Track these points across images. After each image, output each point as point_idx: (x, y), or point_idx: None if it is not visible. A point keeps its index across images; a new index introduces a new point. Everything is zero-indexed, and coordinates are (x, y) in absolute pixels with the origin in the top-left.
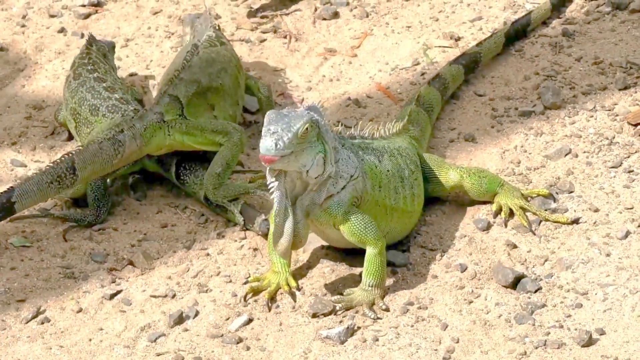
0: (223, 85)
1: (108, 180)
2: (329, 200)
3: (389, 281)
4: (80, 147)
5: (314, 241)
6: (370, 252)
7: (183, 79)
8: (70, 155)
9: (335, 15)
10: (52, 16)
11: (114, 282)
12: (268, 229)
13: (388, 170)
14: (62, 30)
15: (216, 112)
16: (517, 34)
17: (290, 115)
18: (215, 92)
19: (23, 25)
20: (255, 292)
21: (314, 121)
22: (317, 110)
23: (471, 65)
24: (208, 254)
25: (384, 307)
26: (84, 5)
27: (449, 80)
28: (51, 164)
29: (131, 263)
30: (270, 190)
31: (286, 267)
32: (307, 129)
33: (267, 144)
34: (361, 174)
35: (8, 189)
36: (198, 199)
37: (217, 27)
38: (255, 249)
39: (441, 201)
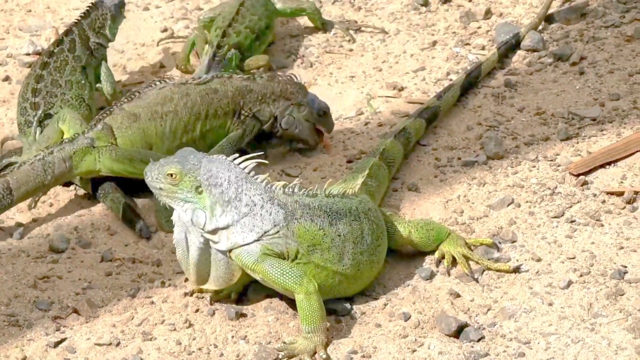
0: (164, 128)
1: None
2: (239, 249)
3: (332, 330)
4: (14, 169)
5: (258, 290)
6: (297, 297)
7: (124, 110)
8: (5, 176)
9: (282, 66)
10: None
11: (58, 330)
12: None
13: (340, 235)
14: (6, 79)
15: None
16: (470, 85)
17: (180, 157)
18: (155, 133)
19: None
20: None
21: (183, 171)
22: (220, 163)
23: (432, 118)
24: (152, 302)
25: (324, 356)
26: (28, 54)
27: (412, 134)
28: None
29: (76, 311)
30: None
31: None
32: (170, 174)
33: (145, 170)
34: (284, 232)
35: None
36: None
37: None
38: (199, 297)
39: None
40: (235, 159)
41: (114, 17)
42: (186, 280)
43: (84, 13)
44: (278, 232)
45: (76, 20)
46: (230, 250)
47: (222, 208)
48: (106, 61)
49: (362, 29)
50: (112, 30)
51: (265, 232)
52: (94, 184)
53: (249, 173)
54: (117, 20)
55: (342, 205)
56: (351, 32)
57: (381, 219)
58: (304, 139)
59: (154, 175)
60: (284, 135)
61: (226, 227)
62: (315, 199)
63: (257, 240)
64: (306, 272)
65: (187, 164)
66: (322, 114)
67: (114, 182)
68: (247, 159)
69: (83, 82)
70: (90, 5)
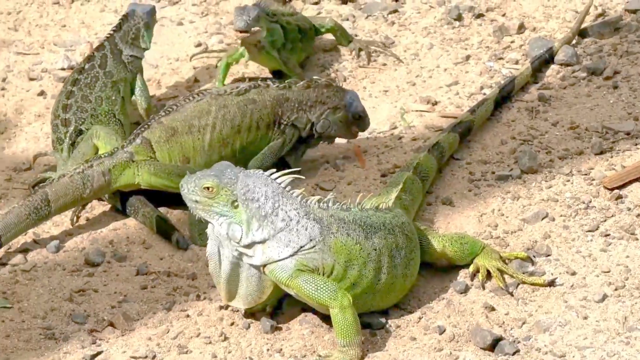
0: (202, 141)
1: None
2: (273, 264)
3: (367, 343)
4: (53, 180)
5: (294, 303)
6: (332, 312)
7: (162, 123)
8: (44, 187)
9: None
10: (32, 79)
11: (94, 343)
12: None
13: (375, 249)
14: (41, 93)
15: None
16: (503, 99)
17: (217, 170)
18: (193, 147)
19: (3, 89)
20: None
21: (220, 185)
22: (257, 177)
23: (466, 132)
24: (188, 315)
25: None
26: (63, 69)
27: (446, 149)
28: (28, 197)
29: (111, 324)
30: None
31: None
32: (207, 187)
33: (181, 182)
34: (320, 247)
35: None
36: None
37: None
38: (235, 310)
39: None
40: (272, 173)
41: (147, 25)
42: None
43: (116, 26)
44: (314, 247)
45: (108, 35)
46: (264, 266)
47: (258, 222)
48: (142, 74)
49: (378, 51)
50: (147, 38)
51: (301, 247)
52: (122, 199)
53: (285, 188)
54: (151, 27)
55: (376, 219)
56: (362, 53)
57: (415, 232)
58: (340, 136)
59: (190, 188)
60: (319, 138)
61: (262, 242)
62: (349, 213)
63: (293, 255)
64: (341, 286)
65: (224, 177)
66: (358, 118)
67: (142, 196)
68: (284, 174)
69: (114, 97)
70: (122, 17)
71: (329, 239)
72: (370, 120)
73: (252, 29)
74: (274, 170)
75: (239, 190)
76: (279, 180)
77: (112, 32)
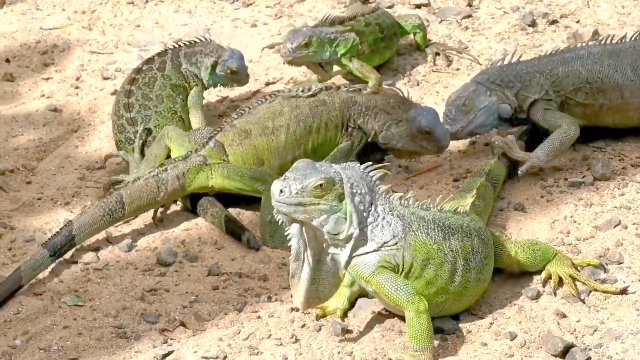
0: (276, 142)
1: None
2: (356, 259)
3: (439, 348)
4: (128, 183)
5: (365, 307)
6: (407, 315)
7: (235, 126)
8: (119, 190)
9: (390, 84)
10: (105, 78)
11: (165, 342)
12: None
13: (452, 250)
14: (115, 92)
15: (265, 168)
16: None
17: (313, 168)
18: (267, 148)
19: (77, 87)
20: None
21: (331, 180)
22: (355, 170)
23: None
24: (259, 317)
25: None
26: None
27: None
28: (102, 199)
29: (183, 324)
30: (287, 235)
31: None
32: (320, 185)
33: (274, 188)
34: (402, 244)
35: (67, 223)
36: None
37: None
38: (306, 313)
39: None
40: (367, 167)
41: (214, 65)
42: (292, 295)
43: (189, 42)
44: (396, 243)
45: (175, 46)
46: (349, 261)
47: (357, 216)
48: (200, 87)
49: (455, 56)
50: (207, 75)
51: (384, 243)
52: (192, 200)
53: (375, 182)
54: (217, 76)
55: (455, 220)
56: (438, 57)
57: (490, 238)
58: (415, 152)
59: (294, 191)
60: (387, 149)
61: (354, 236)
62: (429, 212)
63: (376, 250)
64: (416, 287)
65: (329, 173)
66: (424, 133)
67: (211, 197)
68: (375, 169)
69: (174, 96)
70: (201, 38)
71: (410, 236)
72: (446, 142)
73: (295, 55)
74: (370, 163)
75: (345, 183)
76: (371, 174)
77: (181, 44)
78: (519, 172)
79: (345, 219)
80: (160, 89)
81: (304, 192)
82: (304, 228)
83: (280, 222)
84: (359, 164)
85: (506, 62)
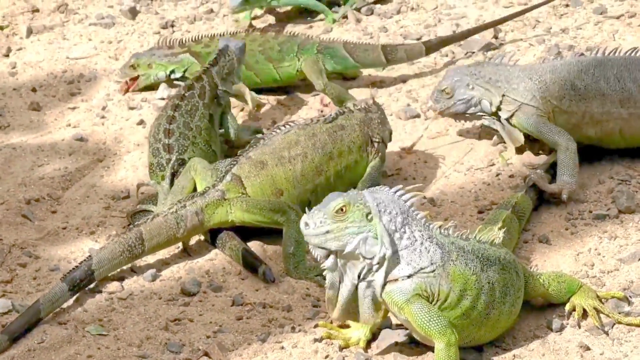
0: (294, 172)
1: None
2: (391, 284)
3: None
4: (147, 220)
5: (388, 338)
6: (437, 346)
7: (250, 158)
8: (139, 226)
9: (416, 115)
10: (131, 108)
11: None
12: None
13: (489, 282)
14: (141, 122)
15: (284, 198)
16: None
17: (336, 195)
18: (285, 178)
19: (103, 117)
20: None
21: (353, 201)
22: (384, 193)
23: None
24: (283, 347)
25: None
26: (162, 99)
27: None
28: (122, 235)
29: (206, 354)
30: (321, 264)
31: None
32: (341, 208)
33: (301, 224)
34: (440, 272)
35: (87, 257)
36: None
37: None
38: (329, 344)
39: None
40: (397, 190)
41: (239, 60)
42: (316, 326)
43: (213, 60)
44: (434, 271)
45: (205, 68)
46: (383, 286)
47: (387, 235)
48: (230, 109)
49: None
50: (238, 73)
51: (421, 269)
52: (212, 233)
53: (410, 207)
54: (242, 63)
55: (492, 252)
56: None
57: (522, 271)
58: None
59: (318, 221)
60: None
61: (388, 258)
62: (468, 243)
63: (412, 275)
64: (451, 317)
65: (349, 195)
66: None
67: (230, 231)
68: (408, 191)
69: (211, 127)
70: (218, 52)
71: (448, 265)
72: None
73: None
74: (400, 186)
75: (371, 202)
76: (404, 198)
77: (209, 65)
78: (563, 197)
79: (376, 238)
80: (200, 120)
81: (327, 219)
82: (339, 261)
83: (317, 257)
84: (388, 187)
85: (504, 61)
